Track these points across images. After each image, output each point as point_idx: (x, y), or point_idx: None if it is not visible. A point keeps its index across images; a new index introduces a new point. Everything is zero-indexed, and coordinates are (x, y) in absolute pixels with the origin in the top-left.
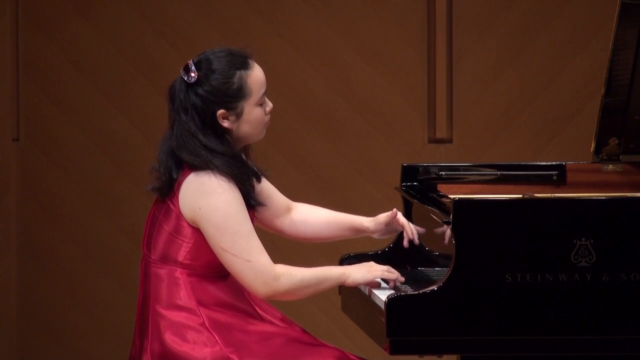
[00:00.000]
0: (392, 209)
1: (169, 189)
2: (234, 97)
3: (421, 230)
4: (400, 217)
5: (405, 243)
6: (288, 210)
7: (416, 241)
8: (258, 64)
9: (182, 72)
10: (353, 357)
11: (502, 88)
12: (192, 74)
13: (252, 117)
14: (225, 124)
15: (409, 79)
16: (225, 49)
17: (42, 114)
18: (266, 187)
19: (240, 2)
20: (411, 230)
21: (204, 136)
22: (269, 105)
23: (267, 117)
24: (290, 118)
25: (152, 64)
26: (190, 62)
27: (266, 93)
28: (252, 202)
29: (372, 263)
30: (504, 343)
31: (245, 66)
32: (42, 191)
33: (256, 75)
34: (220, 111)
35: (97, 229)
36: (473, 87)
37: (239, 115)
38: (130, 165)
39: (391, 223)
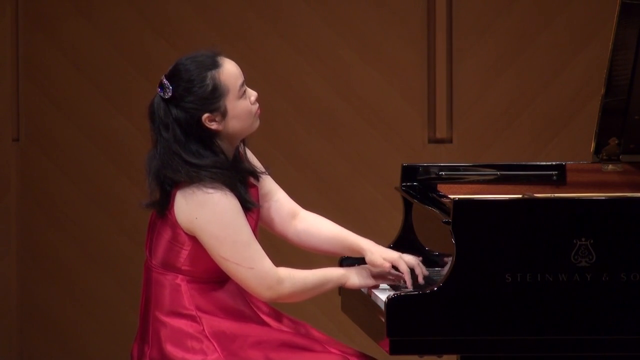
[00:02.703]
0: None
1: (165, 203)
2: (212, 98)
3: (418, 258)
4: (401, 264)
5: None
6: (293, 216)
7: (411, 285)
8: (258, 63)
9: (158, 89)
10: None
11: (502, 88)
12: (167, 90)
13: (238, 112)
14: (214, 126)
15: (409, 79)
16: (193, 54)
17: (42, 114)
18: (274, 190)
19: (240, 2)
20: (410, 282)
21: (187, 151)
22: (253, 94)
23: (255, 106)
24: (290, 118)
25: (152, 64)
26: (163, 77)
27: (245, 83)
28: (249, 205)
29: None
30: (503, 343)
31: (214, 65)
32: (42, 191)
33: (228, 70)
34: (205, 115)
35: (97, 229)
36: (473, 87)
37: (224, 114)
38: (130, 165)
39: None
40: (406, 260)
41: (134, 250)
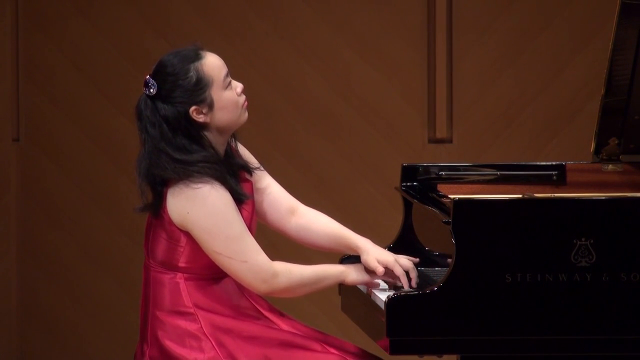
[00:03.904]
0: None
1: (158, 203)
2: (197, 89)
3: (415, 260)
4: (397, 268)
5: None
6: (292, 212)
7: (408, 287)
8: (258, 63)
9: (143, 89)
10: None
11: (502, 88)
12: (152, 87)
13: (225, 102)
14: (201, 118)
15: (409, 79)
16: (175, 51)
17: (42, 114)
18: (269, 185)
19: (240, 2)
20: (407, 283)
21: (174, 148)
22: (239, 86)
23: (242, 98)
24: (290, 118)
25: (152, 64)
26: (147, 76)
27: (229, 75)
28: (241, 197)
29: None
30: (504, 343)
31: (197, 57)
32: (42, 191)
33: (210, 62)
34: (192, 108)
35: (97, 229)
36: (473, 87)
37: (211, 106)
38: (130, 165)
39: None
40: (401, 264)
41: (134, 250)
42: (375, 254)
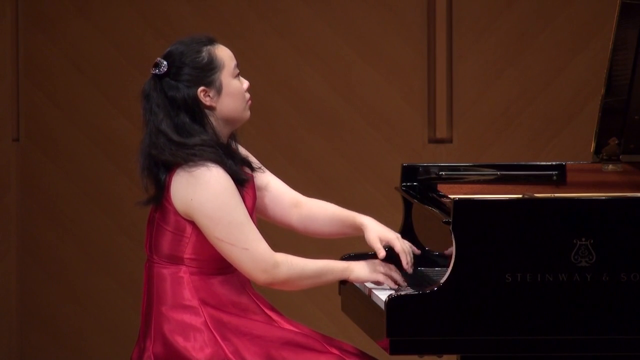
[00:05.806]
0: (393, 231)
1: (161, 194)
2: (207, 70)
3: (417, 252)
4: (397, 244)
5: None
6: (296, 205)
7: (409, 271)
8: (258, 63)
9: (152, 70)
10: None
11: (502, 88)
12: (162, 66)
13: (232, 89)
14: (208, 101)
15: (409, 79)
16: (187, 36)
17: (42, 114)
18: (271, 182)
19: (240, 2)
20: (407, 261)
21: (175, 130)
22: (246, 82)
23: (248, 95)
24: (290, 118)
25: (152, 64)
26: (158, 58)
27: (238, 67)
28: (242, 177)
29: (377, 261)
30: (504, 343)
31: (210, 42)
32: (42, 191)
33: (222, 48)
34: (200, 89)
35: (97, 229)
36: (473, 87)
37: (219, 90)
38: (130, 165)
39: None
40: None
41: (134, 250)
42: (378, 231)
